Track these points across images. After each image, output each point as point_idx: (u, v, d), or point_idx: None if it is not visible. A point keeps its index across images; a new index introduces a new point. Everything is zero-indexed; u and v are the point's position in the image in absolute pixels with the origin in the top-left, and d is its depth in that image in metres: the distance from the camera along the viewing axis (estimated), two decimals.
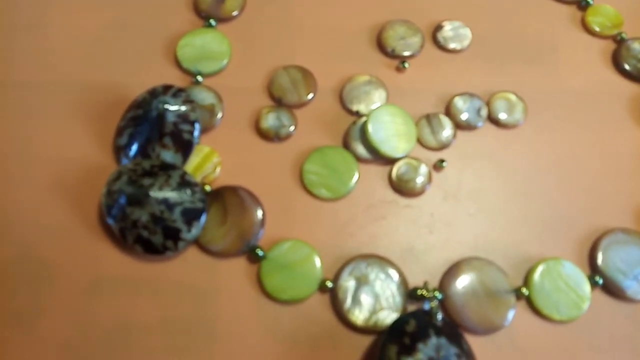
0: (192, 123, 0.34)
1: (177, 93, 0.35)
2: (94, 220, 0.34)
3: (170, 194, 0.32)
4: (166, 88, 0.35)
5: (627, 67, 0.39)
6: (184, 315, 0.32)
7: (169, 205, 0.32)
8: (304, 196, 0.35)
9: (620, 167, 0.37)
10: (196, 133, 0.34)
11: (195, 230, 0.32)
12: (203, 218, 0.32)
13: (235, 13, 0.40)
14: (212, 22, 0.39)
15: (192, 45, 0.38)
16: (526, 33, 0.41)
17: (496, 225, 0.35)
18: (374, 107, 0.37)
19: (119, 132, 0.35)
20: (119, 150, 0.34)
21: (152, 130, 0.34)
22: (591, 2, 0.42)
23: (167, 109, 0.34)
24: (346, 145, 0.36)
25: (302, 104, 0.38)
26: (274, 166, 0.36)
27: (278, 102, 0.37)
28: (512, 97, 0.38)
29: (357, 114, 0.37)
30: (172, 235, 0.32)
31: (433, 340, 0.29)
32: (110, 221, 0.32)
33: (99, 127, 0.36)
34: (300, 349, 0.31)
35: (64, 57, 0.39)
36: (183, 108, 0.34)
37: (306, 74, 0.38)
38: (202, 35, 0.39)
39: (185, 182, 0.33)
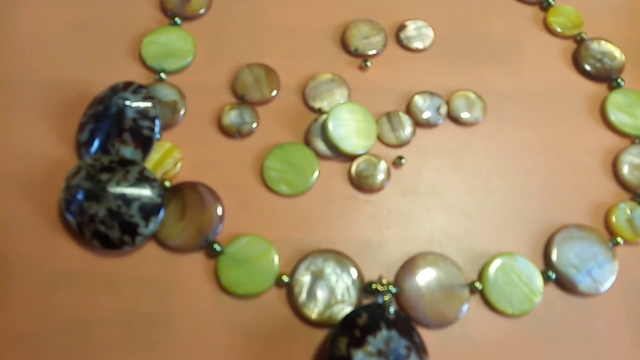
0: (152, 119, 0.35)
1: (138, 89, 0.35)
2: (54, 216, 0.34)
3: (128, 190, 0.32)
4: (127, 84, 0.35)
5: (586, 66, 0.40)
6: (142, 309, 0.32)
7: (126, 200, 0.32)
8: (264, 192, 0.36)
9: (577, 164, 0.37)
10: (156, 129, 0.35)
11: (152, 226, 0.32)
12: (161, 213, 0.33)
13: (201, 11, 0.41)
14: (178, 20, 0.40)
15: (156, 43, 0.39)
16: (489, 33, 0.42)
17: (453, 220, 0.35)
18: (335, 104, 0.38)
19: (80, 128, 0.35)
20: (80, 147, 0.35)
21: (111, 126, 0.34)
22: (552, 2, 0.42)
23: (126, 105, 0.35)
24: (307, 142, 0.37)
25: (264, 101, 0.38)
26: (235, 162, 0.36)
27: (241, 100, 0.38)
28: (472, 96, 0.38)
29: (319, 112, 0.38)
30: (129, 230, 0.32)
31: (384, 332, 0.29)
32: (68, 216, 0.32)
33: (62, 123, 0.37)
34: (256, 342, 0.32)
35: (28, 54, 0.39)
36: (143, 104, 0.35)
37: (269, 71, 0.39)
38: (166, 33, 0.39)
39: (143, 178, 0.33)
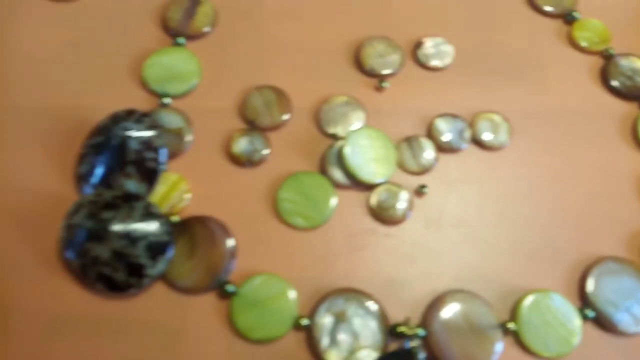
0: (157, 150, 0.32)
1: (141, 118, 0.33)
2: (52, 255, 0.32)
3: (133, 228, 0.30)
4: (129, 113, 0.33)
5: (615, 84, 0.38)
6: (150, 357, 0.30)
7: (131, 239, 0.30)
8: (278, 226, 0.33)
9: (610, 190, 0.35)
10: (162, 160, 0.32)
11: (161, 266, 0.30)
12: (169, 252, 0.30)
13: (206, 30, 0.38)
14: (181, 40, 0.37)
15: (159, 65, 0.36)
16: (510, 49, 0.39)
17: (481, 254, 0.33)
18: (351, 129, 0.35)
19: (80, 160, 0.32)
20: (80, 180, 0.32)
21: (114, 159, 0.32)
22: (578, 16, 0.40)
23: (129, 136, 0.32)
24: (323, 170, 0.34)
25: (276, 127, 0.36)
26: (247, 194, 0.34)
27: (251, 125, 0.35)
28: (497, 118, 0.36)
29: (334, 137, 0.35)
30: (136, 272, 0.30)
31: None
32: (69, 257, 0.30)
33: (59, 154, 0.34)
34: None
35: (21, 78, 0.37)
36: (147, 134, 0.32)
37: (280, 94, 0.36)
38: (170, 54, 0.37)
39: (149, 214, 0.30)
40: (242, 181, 0.34)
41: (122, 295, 0.31)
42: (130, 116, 0.33)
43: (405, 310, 0.31)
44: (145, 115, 0.33)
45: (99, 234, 0.30)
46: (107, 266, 0.29)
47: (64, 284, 0.31)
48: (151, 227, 0.30)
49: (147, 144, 0.32)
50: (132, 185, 0.32)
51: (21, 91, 0.36)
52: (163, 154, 0.33)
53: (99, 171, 0.32)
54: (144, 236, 0.30)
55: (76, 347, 0.30)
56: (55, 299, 0.31)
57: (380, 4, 0.41)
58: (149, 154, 0.32)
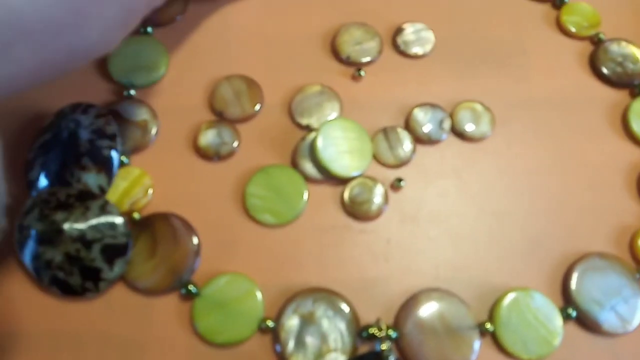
0: (111, 137, 0.31)
1: (87, 109, 0.31)
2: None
3: (87, 230, 0.28)
4: (74, 107, 0.31)
5: (605, 70, 0.36)
6: None
7: (85, 242, 0.28)
8: (246, 223, 0.32)
9: (596, 182, 0.33)
10: (118, 147, 0.31)
11: (118, 269, 0.28)
12: (127, 255, 0.29)
13: (177, 18, 0.36)
14: (149, 29, 0.36)
15: (124, 55, 0.35)
16: (495, 35, 0.37)
17: (460, 251, 0.31)
18: (326, 120, 0.34)
19: (29, 166, 0.31)
20: (32, 186, 0.31)
21: (66, 153, 0.30)
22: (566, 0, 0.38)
23: (79, 127, 0.30)
24: (294, 164, 0.33)
25: (246, 118, 0.34)
26: (213, 189, 0.32)
27: (219, 116, 0.34)
28: (478, 107, 0.34)
29: (308, 129, 0.34)
30: (92, 276, 0.28)
31: None
32: (23, 259, 0.28)
33: (13, 157, 0.32)
34: None
35: None
36: (97, 122, 0.31)
37: (251, 84, 0.35)
38: (136, 43, 0.35)
39: (105, 214, 0.29)
40: (209, 176, 0.33)
41: (79, 299, 0.29)
42: (76, 109, 0.31)
43: (379, 310, 0.30)
44: (90, 105, 0.31)
45: (51, 237, 0.28)
46: (61, 270, 0.28)
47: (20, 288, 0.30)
48: (107, 228, 0.29)
49: (98, 132, 0.31)
50: (90, 177, 0.30)
51: None
52: (118, 140, 0.31)
53: (49, 172, 0.30)
54: (99, 239, 0.28)
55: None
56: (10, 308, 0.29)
57: None
58: (103, 142, 0.30)
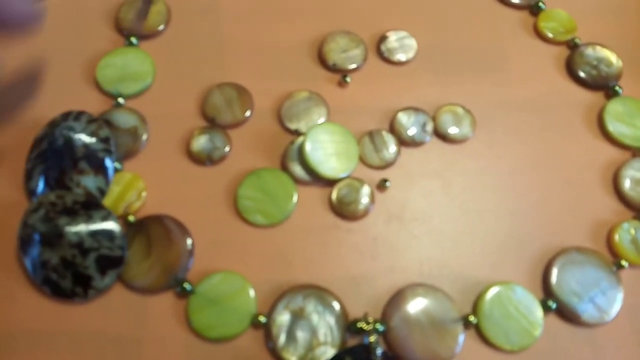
0: (104, 140, 0.32)
1: (78, 116, 0.32)
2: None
3: (87, 238, 0.29)
4: (65, 115, 0.33)
5: (581, 74, 0.37)
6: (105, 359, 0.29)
7: (82, 250, 0.29)
8: (238, 223, 0.33)
9: (574, 180, 0.35)
10: (112, 149, 0.32)
11: (109, 279, 0.30)
12: (121, 267, 0.30)
13: (160, 28, 0.38)
14: (134, 40, 0.37)
15: (112, 66, 0.36)
16: (475, 41, 0.39)
17: (443, 248, 0.33)
18: (314, 124, 0.35)
19: (28, 176, 0.32)
20: (32, 195, 0.32)
21: (63, 159, 0.31)
22: (543, 6, 0.40)
23: (73, 133, 0.32)
24: (284, 167, 0.34)
25: (237, 124, 0.35)
26: (206, 192, 0.33)
27: (211, 123, 0.35)
28: (460, 110, 0.36)
29: (297, 133, 0.35)
30: (82, 282, 0.29)
31: None
32: (22, 255, 0.30)
33: (11, 167, 0.33)
34: None
35: None
36: (90, 128, 0.32)
37: (242, 91, 0.36)
38: (123, 54, 0.36)
39: (106, 226, 0.30)
40: (201, 179, 0.34)
41: (67, 302, 0.30)
42: (67, 117, 0.33)
43: (366, 306, 0.31)
44: (81, 112, 0.33)
45: (51, 240, 0.29)
46: (55, 272, 0.29)
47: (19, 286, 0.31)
48: (105, 239, 0.30)
49: (92, 135, 0.32)
50: (90, 180, 0.31)
51: None
52: (112, 143, 0.32)
53: (48, 179, 0.31)
54: (95, 248, 0.30)
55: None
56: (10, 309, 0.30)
57: None
58: (98, 145, 0.32)
